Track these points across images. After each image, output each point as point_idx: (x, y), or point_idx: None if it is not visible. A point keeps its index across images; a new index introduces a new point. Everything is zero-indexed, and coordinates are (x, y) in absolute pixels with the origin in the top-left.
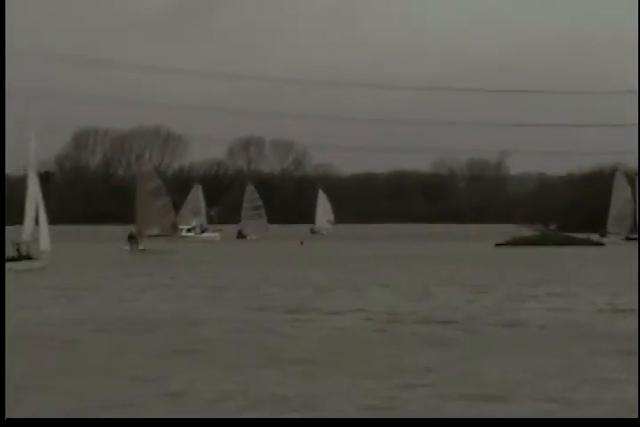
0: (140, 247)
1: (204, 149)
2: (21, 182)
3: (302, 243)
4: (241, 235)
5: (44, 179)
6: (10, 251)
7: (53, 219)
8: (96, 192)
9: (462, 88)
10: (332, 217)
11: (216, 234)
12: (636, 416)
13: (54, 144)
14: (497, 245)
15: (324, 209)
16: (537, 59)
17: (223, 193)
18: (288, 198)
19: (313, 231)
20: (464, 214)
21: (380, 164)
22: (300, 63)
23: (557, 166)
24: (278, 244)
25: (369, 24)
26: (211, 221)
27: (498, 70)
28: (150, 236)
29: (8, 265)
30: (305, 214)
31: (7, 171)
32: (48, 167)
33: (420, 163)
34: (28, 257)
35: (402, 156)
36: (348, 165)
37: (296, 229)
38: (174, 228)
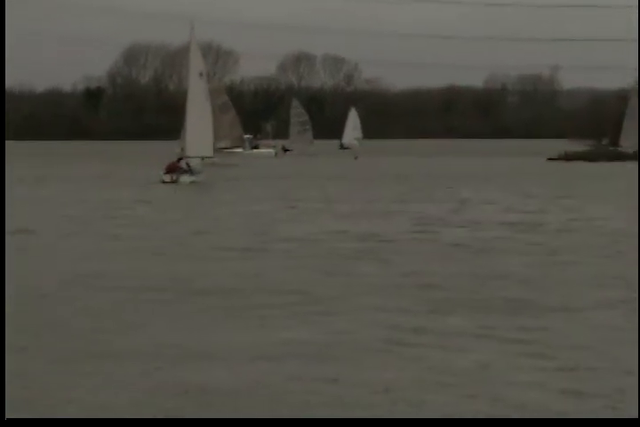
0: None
1: (256, 65)
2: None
3: (356, 158)
4: (285, 149)
5: (96, 94)
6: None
7: (105, 135)
8: (146, 108)
9: (514, 3)
10: (359, 134)
11: (271, 150)
12: (637, 416)
13: (106, 60)
14: (549, 159)
15: (353, 126)
16: None
17: (276, 109)
18: (339, 114)
19: (342, 147)
20: (516, 130)
21: (432, 80)
22: None
23: (610, 81)
24: (332, 159)
25: None
26: (266, 136)
27: None
28: (220, 148)
29: (182, 178)
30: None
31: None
32: (100, 83)
33: (473, 79)
34: (194, 171)
35: (454, 71)
36: (399, 81)
37: (333, 144)
38: (242, 139)
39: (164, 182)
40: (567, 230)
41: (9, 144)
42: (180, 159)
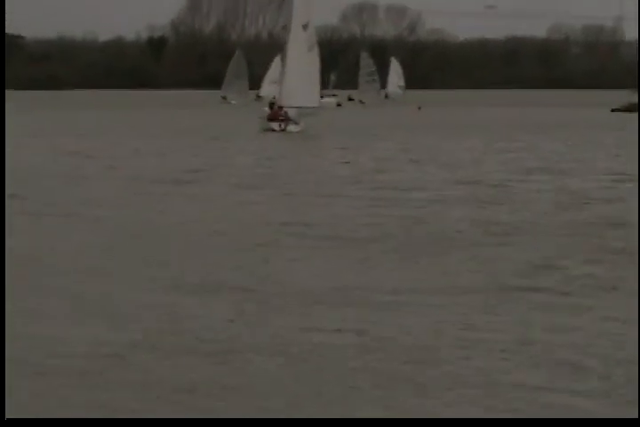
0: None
1: (318, 15)
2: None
3: (420, 108)
4: (350, 99)
5: (159, 43)
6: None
7: (167, 84)
8: (209, 57)
9: None
10: (402, 82)
11: (332, 99)
12: (637, 416)
13: (169, 10)
14: (613, 110)
15: (396, 75)
16: None
17: (338, 59)
18: (401, 63)
19: (387, 96)
20: (578, 80)
21: (495, 30)
22: None
23: None
24: (397, 110)
25: None
26: (331, 86)
27: None
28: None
29: (289, 128)
30: (417, 79)
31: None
32: (163, 32)
33: (536, 29)
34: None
35: (517, 21)
36: (462, 30)
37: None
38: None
39: (271, 130)
40: None
41: (74, 93)
42: (280, 108)
